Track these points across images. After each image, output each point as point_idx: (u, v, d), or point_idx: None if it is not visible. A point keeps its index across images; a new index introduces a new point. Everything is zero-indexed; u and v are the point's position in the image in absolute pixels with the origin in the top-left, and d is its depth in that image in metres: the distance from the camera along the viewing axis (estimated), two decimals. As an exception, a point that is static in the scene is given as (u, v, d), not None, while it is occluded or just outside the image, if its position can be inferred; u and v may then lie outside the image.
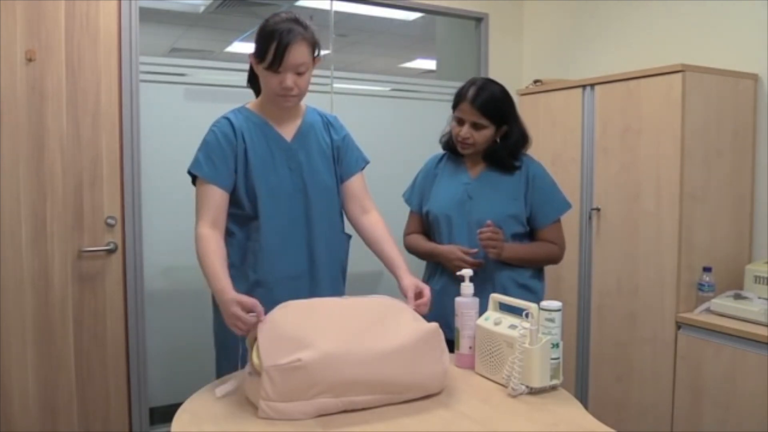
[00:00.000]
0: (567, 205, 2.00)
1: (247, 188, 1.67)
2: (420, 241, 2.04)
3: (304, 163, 1.73)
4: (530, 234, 1.98)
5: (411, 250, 2.07)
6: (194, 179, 1.67)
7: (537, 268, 2.00)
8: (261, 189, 1.67)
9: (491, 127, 1.90)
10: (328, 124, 1.82)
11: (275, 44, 1.55)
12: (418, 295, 1.55)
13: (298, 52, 1.58)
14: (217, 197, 1.63)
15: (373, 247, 1.76)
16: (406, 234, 2.11)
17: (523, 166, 1.96)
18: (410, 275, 1.62)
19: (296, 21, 1.60)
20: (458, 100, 1.92)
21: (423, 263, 2.10)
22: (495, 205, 1.92)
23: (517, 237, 1.94)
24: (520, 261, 1.92)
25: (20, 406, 2.29)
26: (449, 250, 1.91)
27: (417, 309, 1.51)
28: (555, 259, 1.98)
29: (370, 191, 1.86)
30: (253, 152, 1.67)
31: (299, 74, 1.61)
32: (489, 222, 1.83)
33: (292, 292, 1.58)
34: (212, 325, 1.78)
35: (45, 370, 2.33)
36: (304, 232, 1.73)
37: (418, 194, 2.09)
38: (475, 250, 1.87)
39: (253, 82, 1.77)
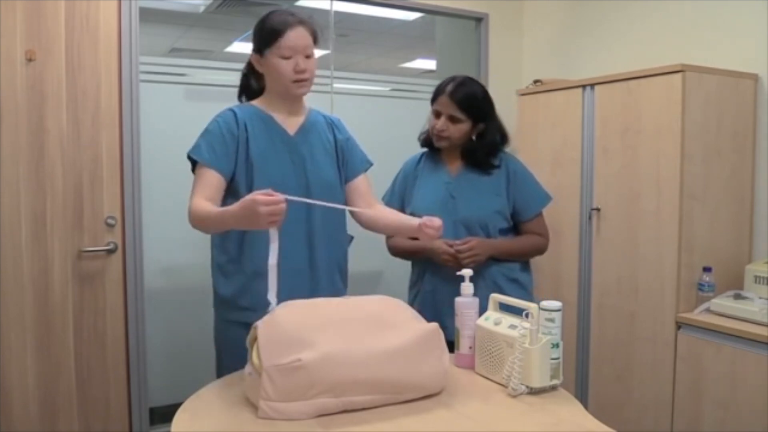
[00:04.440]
0: (548, 198, 2.04)
1: (248, 179, 1.67)
2: (405, 240, 2.03)
3: (306, 157, 1.73)
4: (514, 228, 2.01)
5: (395, 250, 2.06)
6: (193, 167, 1.68)
7: (524, 261, 2.02)
8: (261, 180, 1.66)
9: (467, 122, 1.93)
10: (332, 124, 1.83)
11: (278, 27, 1.63)
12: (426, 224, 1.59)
13: (300, 33, 1.65)
14: (215, 180, 1.64)
15: (385, 221, 1.78)
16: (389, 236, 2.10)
17: (502, 163, 1.98)
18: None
19: (290, 13, 1.68)
20: (437, 93, 1.96)
21: (410, 266, 2.09)
22: (478, 202, 1.95)
23: (503, 232, 1.96)
24: (509, 255, 1.95)
25: (20, 406, 2.29)
26: (436, 245, 1.90)
27: (425, 232, 1.58)
28: (541, 250, 2.03)
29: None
30: (254, 143, 1.68)
31: (307, 57, 1.66)
32: (454, 242, 1.86)
33: (291, 285, 1.57)
34: (212, 324, 1.78)
35: (45, 370, 2.33)
36: (304, 228, 1.72)
37: (398, 197, 2.09)
38: (459, 241, 1.87)
39: (248, 91, 1.79)
